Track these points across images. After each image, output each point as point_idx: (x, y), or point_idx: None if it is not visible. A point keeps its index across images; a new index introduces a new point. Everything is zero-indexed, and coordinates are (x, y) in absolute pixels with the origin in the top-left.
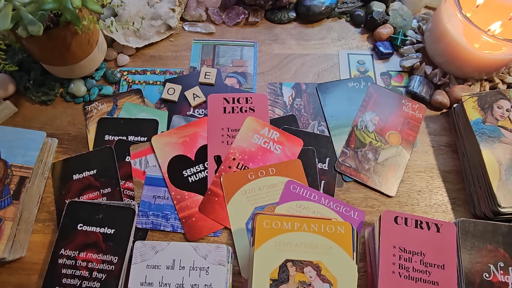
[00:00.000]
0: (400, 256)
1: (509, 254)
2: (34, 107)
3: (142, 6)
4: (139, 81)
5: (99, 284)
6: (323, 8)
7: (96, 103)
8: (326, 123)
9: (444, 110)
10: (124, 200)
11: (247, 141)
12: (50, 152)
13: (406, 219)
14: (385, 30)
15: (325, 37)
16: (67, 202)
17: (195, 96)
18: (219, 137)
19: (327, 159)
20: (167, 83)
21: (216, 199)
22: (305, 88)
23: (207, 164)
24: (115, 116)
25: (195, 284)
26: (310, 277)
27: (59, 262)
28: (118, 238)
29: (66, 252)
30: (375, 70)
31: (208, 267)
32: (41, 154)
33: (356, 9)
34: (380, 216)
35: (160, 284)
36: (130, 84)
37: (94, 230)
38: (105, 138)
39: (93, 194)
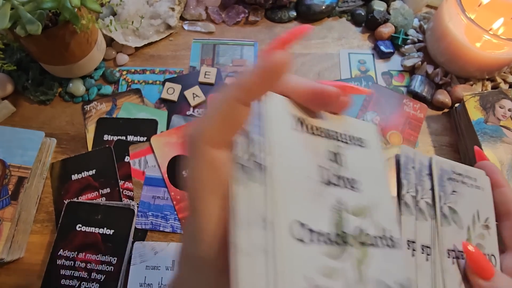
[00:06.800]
0: None
1: None
2: (33, 106)
3: (142, 5)
4: (139, 81)
5: (98, 285)
6: (323, 7)
7: (95, 102)
8: None
9: (446, 110)
10: (123, 200)
11: None
12: (48, 152)
13: None
14: (386, 29)
15: (326, 36)
16: (66, 202)
17: (194, 95)
18: None
19: None
20: (167, 83)
21: None
22: None
23: None
24: (114, 116)
25: None
26: None
27: (57, 263)
28: (117, 238)
29: (64, 253)
30: (376, 70)
31: None
32: (39, 154)
33: (357, 8)
34: None
35: (160, 285)
36: (129, 83)
37: (93, 231)
38: (104, 138)
39: (92, 195)
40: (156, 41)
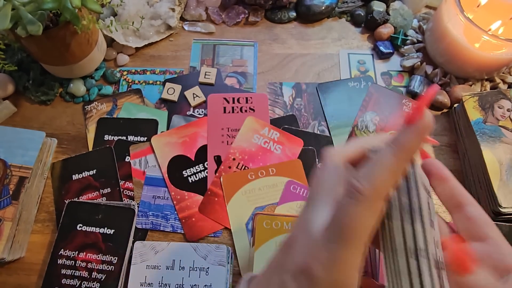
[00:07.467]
0: None
1: None
2: (34, 107)
3: (142, 6)
4: (139, 81)
5: (99, 285)
6: (323, 8)
7: (96, 103)
8: (327, 123)
9: (445, 110)
10: (124, 200)
11: (247, 141)
12: (49, 152)
13: None
14: (386, 30)
15: (326, 37)
16: (67, 202)
17: (195, 96)
18: (219, 137)
19: None
20: (167, 83)
21: (216, 199)
22: (305, 88)
23: (207, 164)
24: (114, 116)
25: (195, 285)
26: None
27: (58, 262)
28: (118, 238)
29: (65, 253)
30: (376, 70)
31: (208, 268)
32: (40, 154)
33: (356, 8)
34: None
35: (160, 284)
36: (130, 84)
37: (94, 231)
38: (105, 138)
39: (93, 194)
40: (156, 42)
